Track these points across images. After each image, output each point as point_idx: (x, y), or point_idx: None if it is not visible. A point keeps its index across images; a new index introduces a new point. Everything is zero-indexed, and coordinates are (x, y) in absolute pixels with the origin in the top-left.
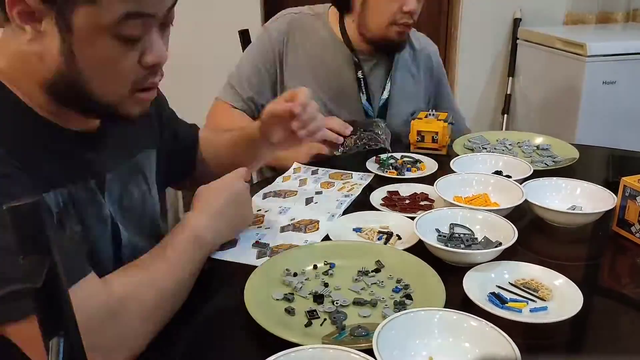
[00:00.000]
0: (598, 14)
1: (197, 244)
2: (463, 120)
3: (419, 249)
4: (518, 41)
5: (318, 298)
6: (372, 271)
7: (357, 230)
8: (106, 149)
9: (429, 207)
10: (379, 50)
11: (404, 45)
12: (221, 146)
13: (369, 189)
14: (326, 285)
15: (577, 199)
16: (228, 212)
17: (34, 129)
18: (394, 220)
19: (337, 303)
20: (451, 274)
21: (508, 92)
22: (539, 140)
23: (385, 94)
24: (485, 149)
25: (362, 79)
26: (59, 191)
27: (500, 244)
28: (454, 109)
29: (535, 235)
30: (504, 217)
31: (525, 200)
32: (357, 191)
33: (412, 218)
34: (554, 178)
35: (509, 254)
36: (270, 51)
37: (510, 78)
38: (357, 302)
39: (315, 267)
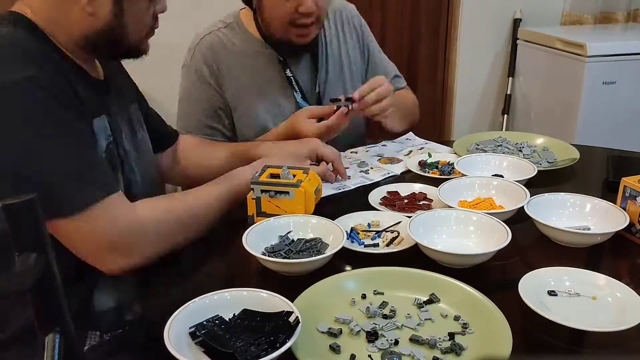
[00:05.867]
0: (598, 14)
1: (228, 179)
2: (400, 79)
3: (419, 250)
4: (518, 41)
5: (371, 336)
6: (424, 303)
7: (353, 230)
8: (113, 95)
9: (427, 207)
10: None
11: (311, 45)
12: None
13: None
14: (383, 317)
15: (586, 217)
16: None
17: (72, 73)
18: (393, 220)
19: (390, 341)
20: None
21: (508, 92)
22: (539, 140)
23: (318, 87)
24: (486, 151)
25: (291, 77)
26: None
27: None
28: (386, 68)
29: (536, 235)
30: (507, 219)
31: (530, 216)
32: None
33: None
34: (561, 194)
35: (506, 255)
36: (208, 88)
37: (510, 78)
38: (415, 340)
39: (364, 296)
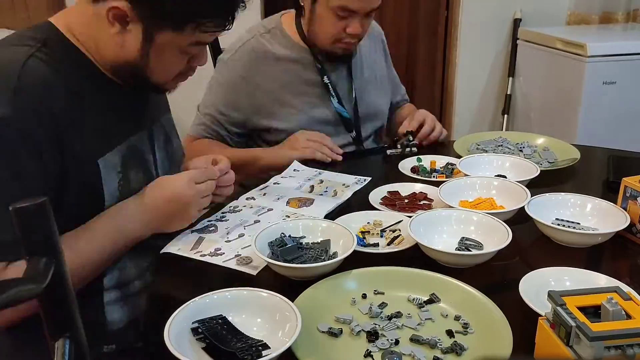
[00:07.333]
0: (598, 14)
1: (120, 231)
2: (404, 93)
3: (420, 249)
4: (518, 41)
5: (372, 335)
6: (424, 302)
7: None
8: (149, 103)
9: (428, 207)
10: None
11: (352, 56)
12: None
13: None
14: (383, 317)
15: (587, 217)
16: (164, 209)
17: (102, 87)
18: (394, 220)
19: (390, 340)
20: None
21: (508, 92)
22: (539, 140)
23: (354, 92)
24: (486, 151)
25: (329, 84)
26: (119, 147)
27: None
28: (399, 85)
29: (537, 235)
30: (507, 219)
31: (531, 217)
32: (346, 194)
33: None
34: (562, 194)
35: (507, 255)
36: (240, 84)
37: (511, 78)
38: (416, 340)
39: (364, 296)
